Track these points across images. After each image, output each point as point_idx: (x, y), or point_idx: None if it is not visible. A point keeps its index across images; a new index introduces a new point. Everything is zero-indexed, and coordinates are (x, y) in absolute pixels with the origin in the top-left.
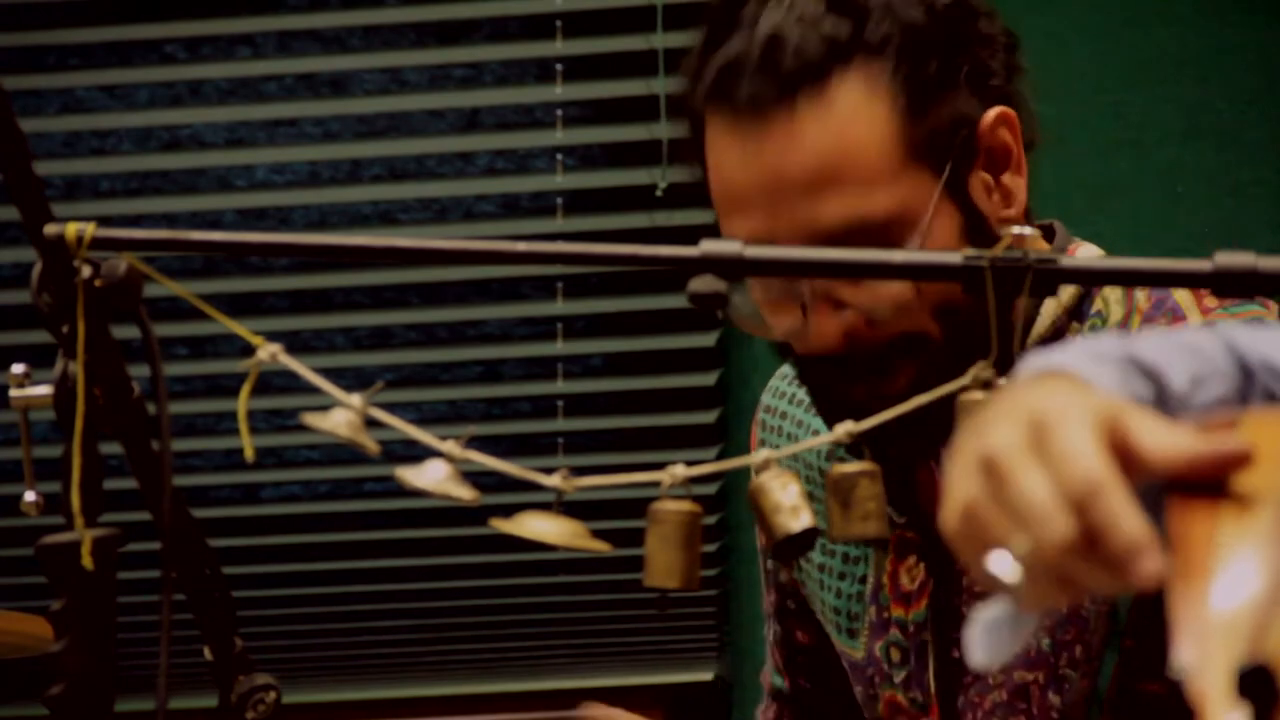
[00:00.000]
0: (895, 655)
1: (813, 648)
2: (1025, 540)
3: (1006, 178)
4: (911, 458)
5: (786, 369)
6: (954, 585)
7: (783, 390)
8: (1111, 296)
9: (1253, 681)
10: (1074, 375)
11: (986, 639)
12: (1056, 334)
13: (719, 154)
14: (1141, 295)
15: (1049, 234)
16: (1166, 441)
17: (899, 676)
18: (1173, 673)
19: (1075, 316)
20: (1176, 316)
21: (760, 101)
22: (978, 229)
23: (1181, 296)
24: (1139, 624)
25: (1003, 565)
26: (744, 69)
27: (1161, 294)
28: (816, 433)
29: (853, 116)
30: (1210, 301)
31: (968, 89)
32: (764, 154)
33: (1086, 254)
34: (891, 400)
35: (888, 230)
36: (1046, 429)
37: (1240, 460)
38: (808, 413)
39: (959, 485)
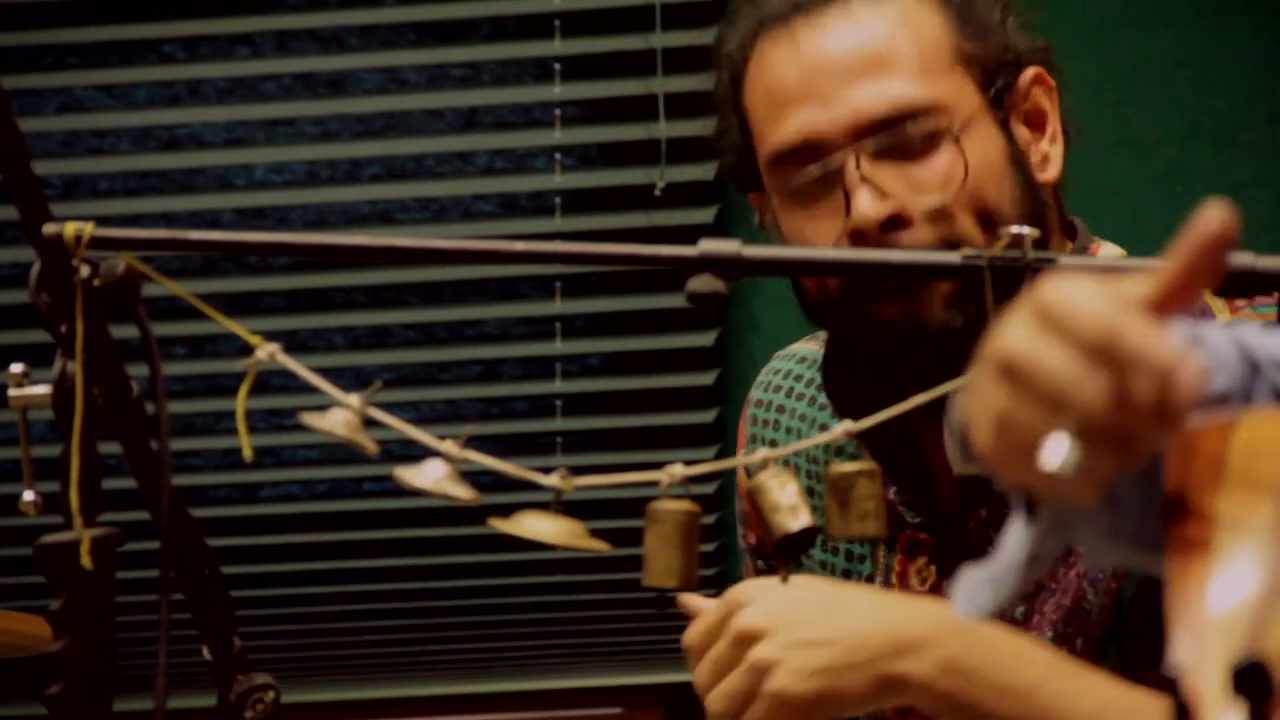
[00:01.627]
0: None
1: None
2: (1067, 418)
3: (1044, 144)
4: (914, 454)
5: (779, 363)
6: None
7: (778, 384)
8: None
9: (1248, 678)
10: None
11: (970, 593)
12: None
13: (770, 69)
14: None
15: (1071, 231)
16: (1153, 280)
17: None
18: (1169, 670)
19: None
20: (1205, 315)
21: (816, 2)
22: (1019, 164)
23: (1211, 297)
24: (1141, 614)
25: (1055, 453)
26: None
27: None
28: (824, 427)
29: (905, 12)
30: (1240, 301)
31: (1010, 35)
32: (820, 47)
33: (1107, 253)
34: (921, 322)
35: (933, 119)
36: (1048, 308)
37: (1219, 244)
38: (810, 405)
39: (982, 402)
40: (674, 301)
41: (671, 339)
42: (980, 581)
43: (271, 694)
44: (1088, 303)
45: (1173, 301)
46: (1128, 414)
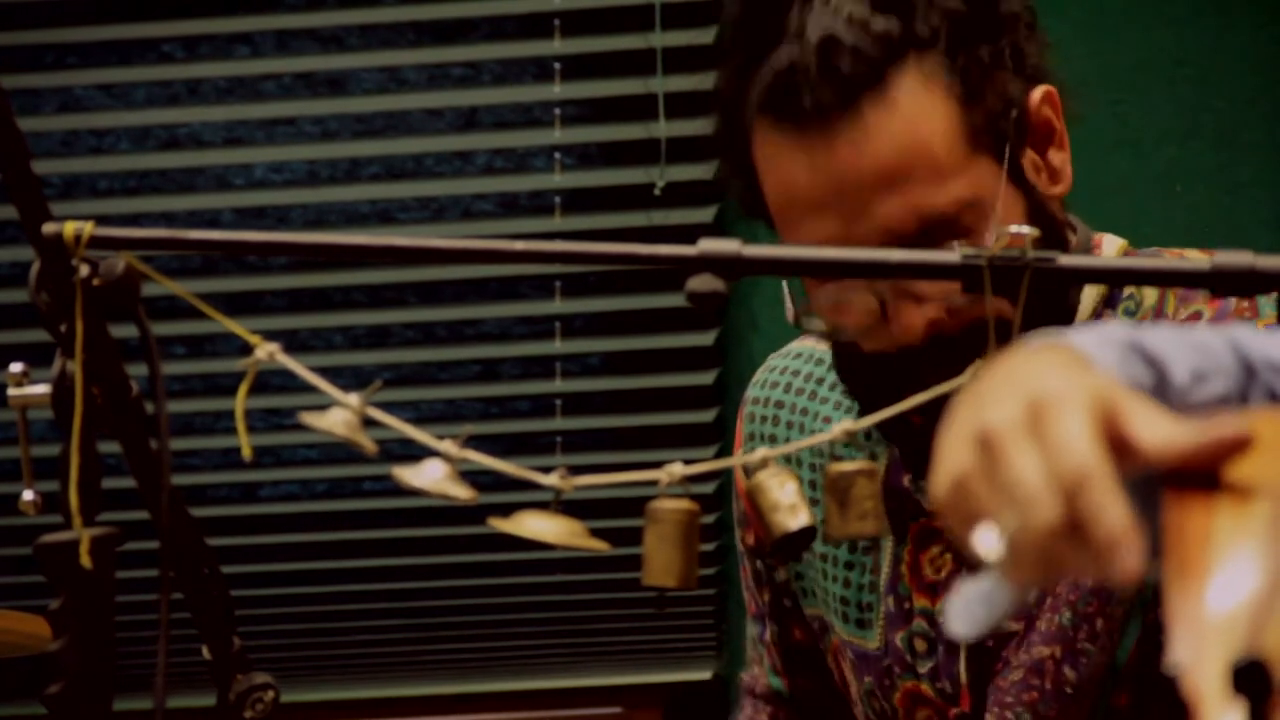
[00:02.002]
0: (921, 646)
1: (809, 646)
2: (1012, 519)
3: (1052, 154)
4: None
5: (776, 361)
6: None
7: (775, 381)
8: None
9: (1248, 677)
10: (1076, 352)
11: (965, 610)
12: (1097, 322)
13: (780, 165)
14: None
15: (1072, 228)
16: (1162, 432)
17: (924, 667)
18: (1169, 669)
19: (1109, 303)
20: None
21: (824, 110)
22: (1038, 210)
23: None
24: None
25: (989, 540)
26: (802, 78)
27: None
28: (827, 419)
29: (916, 113)
30: (1243, 302)
31: (1012, 70)
32: (834, 161)
33: (1111, 246)
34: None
35: (960, 221)
36: (1044, 410)
37: (1236, 447)
38: (812, 400)
39: (953, 455)
40: (674, 301)
41: (671, 338)
42: (974, 598)
43: (271, 693)
44: (1078, 433)
45: (1167, 469)
46: (1063, 546)
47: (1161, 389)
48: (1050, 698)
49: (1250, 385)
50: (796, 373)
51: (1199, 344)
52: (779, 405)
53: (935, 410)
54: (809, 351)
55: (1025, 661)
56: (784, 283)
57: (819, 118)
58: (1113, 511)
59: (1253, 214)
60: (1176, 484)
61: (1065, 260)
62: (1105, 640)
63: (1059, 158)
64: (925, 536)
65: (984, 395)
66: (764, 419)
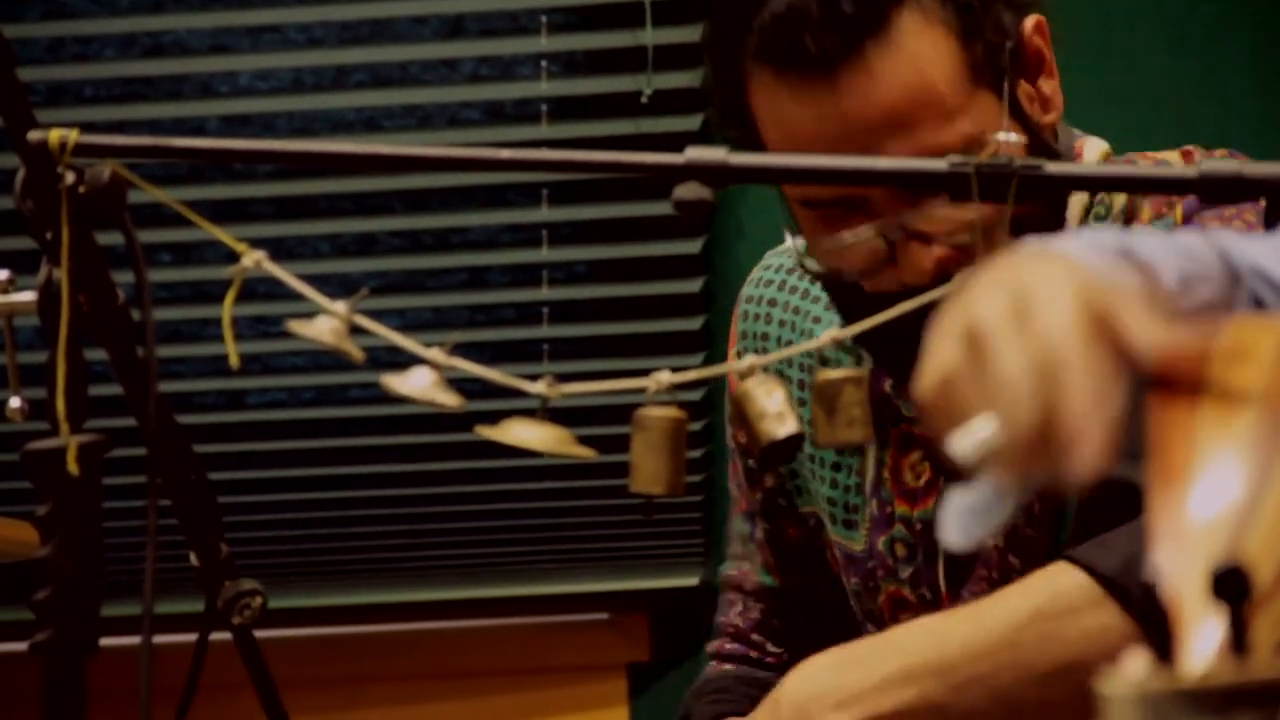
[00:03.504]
0: (901, 551)
1: (803, 544)
2: (994, 419)
3: (1043, 83)
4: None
5: (772, 259)
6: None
7: (769, 279)
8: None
9: (1228, 582)
10: (1066, 257)
11: (960, 520)
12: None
13: (783, 113)
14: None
15: (1053, 133)
16: (1154, 333)
17: (905, 572)
18: (1149, 576)
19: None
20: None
21: (828, 56)
22: (1035, 140)
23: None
24: (1082, 530)
25: (971, 440)
26: (803, 24)
27: None
28: (818, 320)
29: (919, 53)
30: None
31: (1005, 2)
32: (839, 108)
33: (1093, 149)
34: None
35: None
36: (1030, 303)
37: (1228, 355)
38: (804, 299)
39: (940, 353)
40: (661, 209)
41: (658, 246)
42: (969, 510)
43: (258, 599)
44: (1062, 323)
45: (1155, 370)
46: (1044, 443)
47: (1150, 294)
48: (998, 585)
49: (1236, 292)
50: (791, 270)
51: (1186, 250)
52: (772, 304)
53: (918, 318)
54: (804, 248)
55: (978, 557)
56: (785, 229)
57: (823, 64)
58: (1081, 400)
59: (1240, 121)
60: (1162, 387)
61: (1052, 167)
62: (1045, 524)
63: (1049, 86)
64: (905, 442)
65: (973, 295)
66: (757, 317)
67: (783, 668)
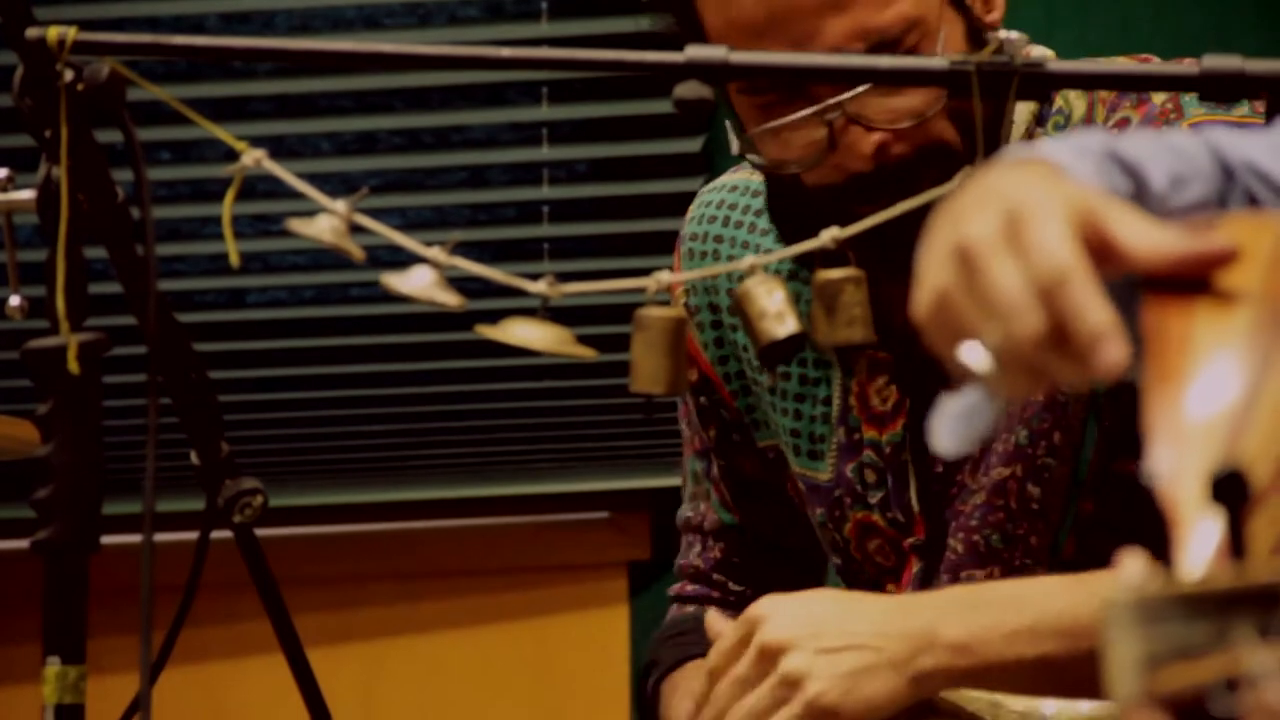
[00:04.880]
0: (870, 477)
1: (759, 479)
2: (996, 331)
3: None
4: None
5: (710, 194)
6: (932, 406)
7: (713, 215)
8: (1071, 93)
9: (1226, 485)
10: (1052, 164)
11: (951, 426)
12: (1029, 139)
13: None
14: None
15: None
16: (1145, 236)
17: (874, 498)
18: (1146, 477)
19: (1040, 121)
20: (1141, 101)
21: None
22: (975, 34)
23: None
24: (1117, 402)
25: (974, 355)
26: None
27: None
28: (769, 252)
29: None
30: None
31: None
32: None
33: (1039, 54)
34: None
35: (904, 41)
36: (1021, 219)
37: (1222, 259)
38: (751, 233)
39: (933, 273)
40: (661, 107)
41: (658, 145)
42: (956, 415)
43: (259, 498)
44: (1056, 237)
45: (1150, 275)
46: (1047, 352)
47: (1140, 196)
48: (1017, 515)
49: (1229, 189)
50: (734, 206)
51: (1176, 148)
52: (718, 240)
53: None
54: (744, 184)
55: (985, 484)
56: (725, 118)
57: None
58: (1093, 308)
59: (1241, 18)
60: (1156, 289)
61: (1053, 66)
62: (1065, 453)
63: None
64: (872, 368)
65: (961, 211)
66: (703, 254)
67: (745, 605)
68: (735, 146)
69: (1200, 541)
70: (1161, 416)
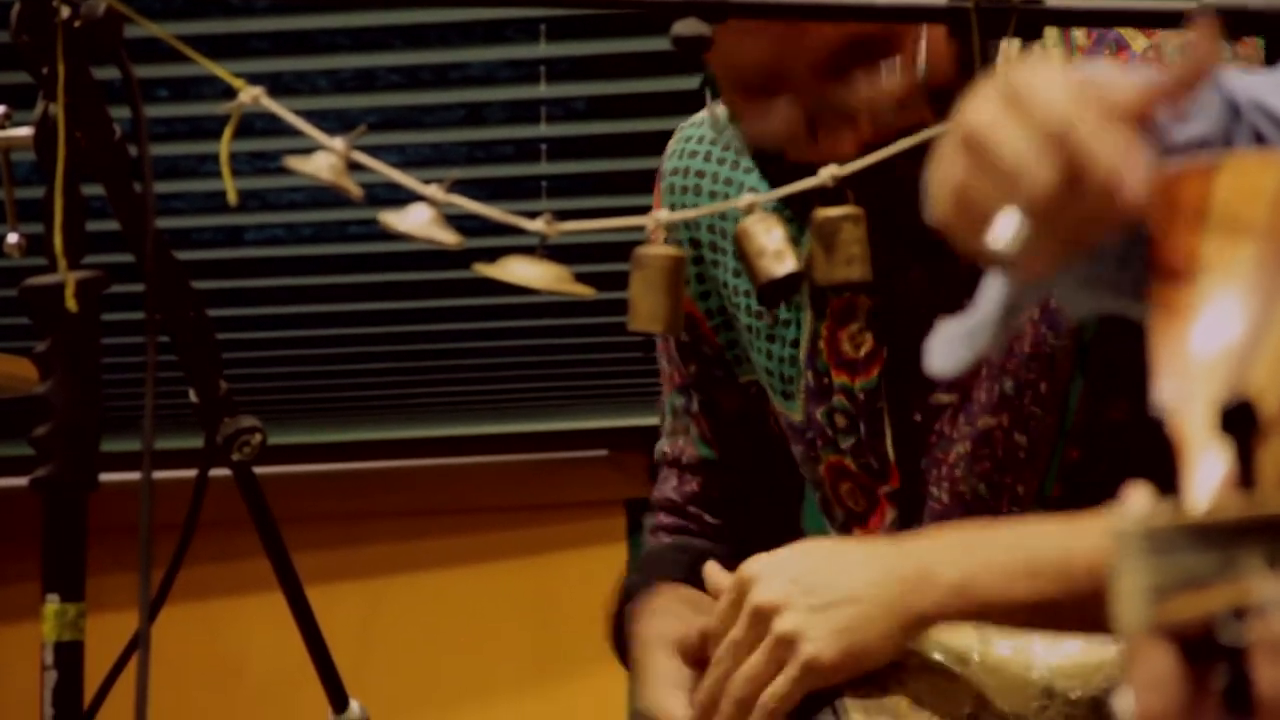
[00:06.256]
0: (841, 422)
1: (740, 414)
2: (1019, 196)
3: None
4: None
5: (689, 130)
6: (909, 353)
7: (693, 150)
8: (1049, 41)
9: (1234, 417)
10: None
11: (949, 347)
12: None
13: None
14: (1080, 32)
15: None
16: (1133, 82)
17: (845, 443)
18: (1153, 410)
19: None
20: (1120, 47)
21: None
22: None
23: (1124, 28)
24: (1104, 349)
25: (1002, 234)
26: None
27: (1102, 29)
28: (752, 190)
29: None
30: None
31: None
32: None
33: None
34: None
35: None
36: (1017, 93)
37: (1203, 70)
38: (734, 169)
39: (945, 171)
40: (659, 45)
41: (656, 83)
42: (957, 335)
43: (258, 436)
44: (1052, 91)
45: (1146, 112)
46: (1074, 201)
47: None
48: (1004, 464)
49: (1235, 127)
50: (714, 142)
51: None
52: (700, 175)
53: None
54: (724, 118)
55: (970, 433)
56: (706, 92)
57: None
58: (1103, 144)
59: None
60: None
61: (1053, 2)
62: (1051, 403)
63: None
64: (845, 312)
65: (964, 112)
66: (684, 189)
67: (720, 537)
68: (711, 124)
69: (1208, 472)
70: (1168, 350)
